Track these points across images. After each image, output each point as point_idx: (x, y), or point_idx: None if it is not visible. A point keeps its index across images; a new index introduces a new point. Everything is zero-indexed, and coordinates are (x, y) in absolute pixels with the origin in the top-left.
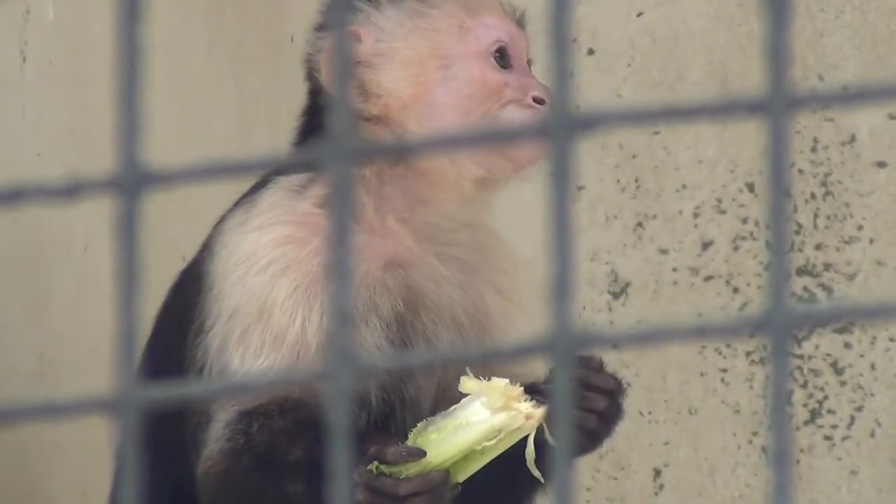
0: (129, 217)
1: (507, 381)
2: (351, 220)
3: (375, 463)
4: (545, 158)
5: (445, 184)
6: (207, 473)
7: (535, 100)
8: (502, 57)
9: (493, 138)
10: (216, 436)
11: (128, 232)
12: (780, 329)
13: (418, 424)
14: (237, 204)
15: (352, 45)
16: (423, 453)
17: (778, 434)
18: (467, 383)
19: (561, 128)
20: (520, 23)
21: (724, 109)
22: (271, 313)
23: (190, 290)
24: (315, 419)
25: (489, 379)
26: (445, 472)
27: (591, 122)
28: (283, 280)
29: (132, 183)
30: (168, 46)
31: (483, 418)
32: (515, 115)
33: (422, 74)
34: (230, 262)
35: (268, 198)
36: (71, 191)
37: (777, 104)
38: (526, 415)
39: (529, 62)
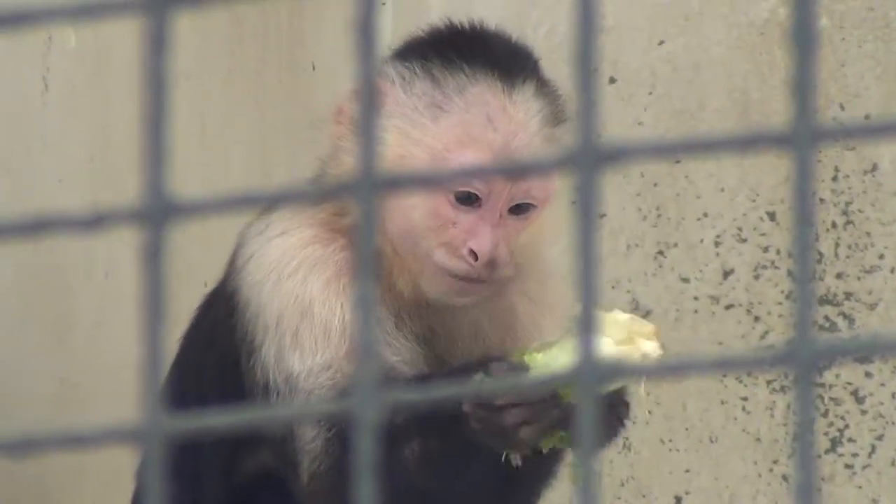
0: (154, 248)
1: (631, 315)
2: (375, 254)
3: None
4: (462, 300)
5: (394, 273)
6: (317, 474)
7: (471, 252)
8: (468, 197)
9: (514, 171)
10: (311, 435)
11: (153, 262)
12: (805, 361)
13: (533, 344)
14: (250, 223)
15: (378, 81)
16: (526, 369)
17: (803, 465)
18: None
19: (585, 159)
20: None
21: (748, 142)
22: (312, 310)
23: (219, 311)
24: (400, 378)
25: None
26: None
27: (616, 155)
28: (314, 276)
29: (158, 214)
30: (188, 73)
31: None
32: (446, 261)
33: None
34: (261, 271)
35: (285, 208)
36: (95, 221)
37: (802, 137)
38: (643, 353)
39: (522, 206)
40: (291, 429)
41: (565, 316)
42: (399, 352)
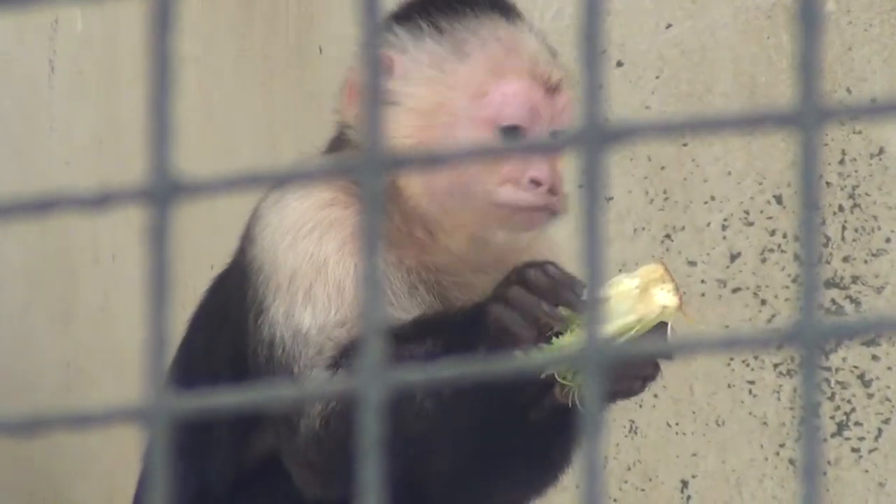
0: (159, 227)
1: (639, 270)
2: (381, 232)
3: None
4: (534, 229)
5: (443, 235)
6: (330, 418)
7: (533, 180)
8: (513, 130)
9: (522, 150)
10: (310, 410)
11: (158, 242)
12: (810, 341)
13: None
14: (264, 197)
15: (384, 58)
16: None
17: (807, 446)
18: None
19: (591, 139)
20: (552, 89)
21: (754, 121)
22: (327, 268)
23: (233, 284)
24: (408, 327)
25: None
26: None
27: (622, 134)
28: (330, 235)
29: (163, 193)
30: (196, 57)
31: (625, 308)
32: (513, 196)
33: (426, 128)
34: (277, 233)
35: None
36: (101, 201)
37: (808, 116)
38: (662, 306)
39: (559, 133)
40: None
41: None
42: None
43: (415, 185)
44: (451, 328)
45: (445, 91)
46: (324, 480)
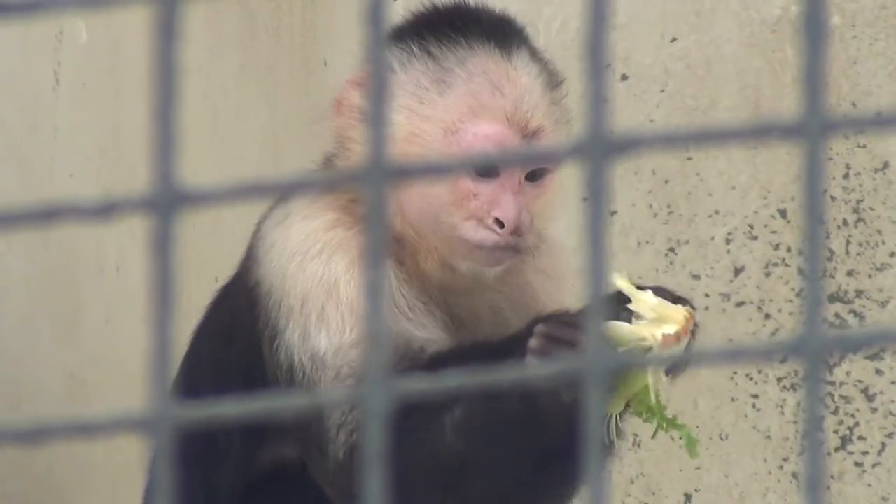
0: (163, 236)
1: (661, 301)
2: (385, 243)
3: None
4: (495, 267)
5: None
6: (341, 458)
7: (497, 220)
8: (486, 168)
9: (530, 160)
10: (336, 421)
11: (162, 252)
12: (814, 354)
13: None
14: (266, 215)
15: (389, 66)
16: (577, 317)
17: (811, 460)
18: (620, 282)
19: (596, 150)
20: (529, 135)
21: (760, 133)
22: (338, 289)
23: (239, 304)
24: (437, 355)
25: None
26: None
27: (627, 145)
28: (338, 257)
29: (167, 203)
30: (201, 68)
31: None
32: (473, 234)
33: (398, 155)
34: (284, 255)
35: (298, 198)
36: (105, 210)
37: (812, 127)
38: (661, 335)
39: (537, 172)
40: (316, 414)
41: (577, 286)
42: (429, 331)
43: (391, 205)
44: (482, 397)
45: (419, 122)
46: (353, 501)
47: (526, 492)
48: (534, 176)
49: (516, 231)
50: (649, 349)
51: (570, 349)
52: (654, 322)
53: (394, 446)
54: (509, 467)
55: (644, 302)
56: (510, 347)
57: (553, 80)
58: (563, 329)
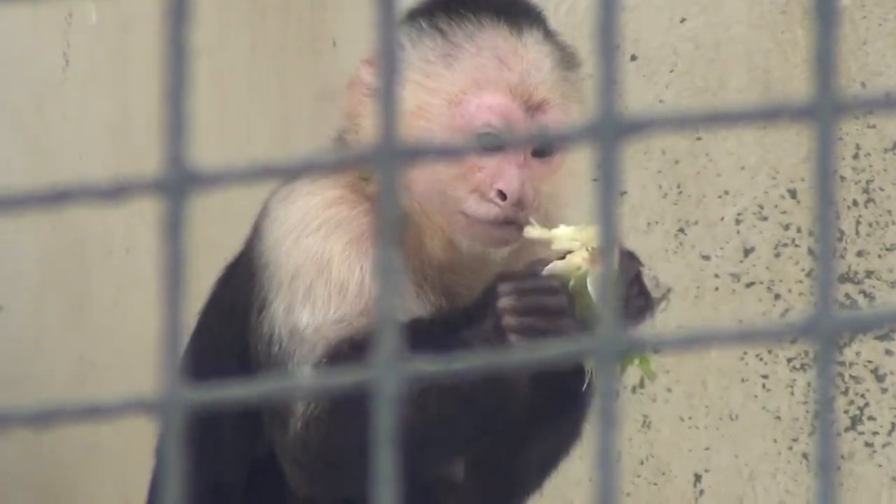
0: (174, 219)
1: (574, 227)
2: (398, 223)
3: None
4: (499, 246)
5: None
6: (310, 422)
7: (500, 192)
8: (492, 136)
9: (540, 139)
10: (304, 405)
11: (173, 233)
12: (825, 335)
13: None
14: (273, 191)
15: (399, 44)
16: (536, 272)
17: (822, 441)
18: (533, 231)
19: (607, 131)
20: (533, 107)
21: (770, 115)
22: (330, 267)
23: (241, 277)
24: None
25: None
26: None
27: (637, 127)
28: (336, 235)
29: (177, 185)
30: (210, 49)
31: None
32: (476, 208)
33: (405, 129)
34: (283, 230)
35: (307, 177)
36: (115, 192)
37: (824, 109)
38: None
39: (545, 150)
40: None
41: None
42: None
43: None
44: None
45: (425, 95)
46: (310, 479)
47: (500, 462)
48: (542, 153)
49: (518, 204)
50: (586, 273)
51: (538, 303)
52: (580, 248)
53: (359, 410)
54: (472, 432)
55: (561, 237)
56: (479, 310)
57: (568, 61)
58: (527, 282)
